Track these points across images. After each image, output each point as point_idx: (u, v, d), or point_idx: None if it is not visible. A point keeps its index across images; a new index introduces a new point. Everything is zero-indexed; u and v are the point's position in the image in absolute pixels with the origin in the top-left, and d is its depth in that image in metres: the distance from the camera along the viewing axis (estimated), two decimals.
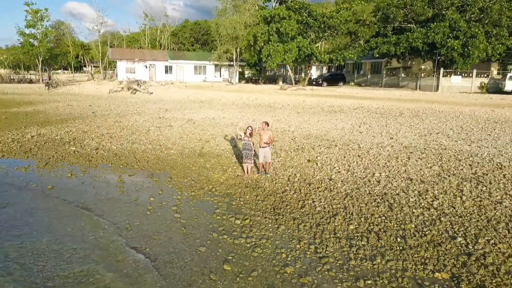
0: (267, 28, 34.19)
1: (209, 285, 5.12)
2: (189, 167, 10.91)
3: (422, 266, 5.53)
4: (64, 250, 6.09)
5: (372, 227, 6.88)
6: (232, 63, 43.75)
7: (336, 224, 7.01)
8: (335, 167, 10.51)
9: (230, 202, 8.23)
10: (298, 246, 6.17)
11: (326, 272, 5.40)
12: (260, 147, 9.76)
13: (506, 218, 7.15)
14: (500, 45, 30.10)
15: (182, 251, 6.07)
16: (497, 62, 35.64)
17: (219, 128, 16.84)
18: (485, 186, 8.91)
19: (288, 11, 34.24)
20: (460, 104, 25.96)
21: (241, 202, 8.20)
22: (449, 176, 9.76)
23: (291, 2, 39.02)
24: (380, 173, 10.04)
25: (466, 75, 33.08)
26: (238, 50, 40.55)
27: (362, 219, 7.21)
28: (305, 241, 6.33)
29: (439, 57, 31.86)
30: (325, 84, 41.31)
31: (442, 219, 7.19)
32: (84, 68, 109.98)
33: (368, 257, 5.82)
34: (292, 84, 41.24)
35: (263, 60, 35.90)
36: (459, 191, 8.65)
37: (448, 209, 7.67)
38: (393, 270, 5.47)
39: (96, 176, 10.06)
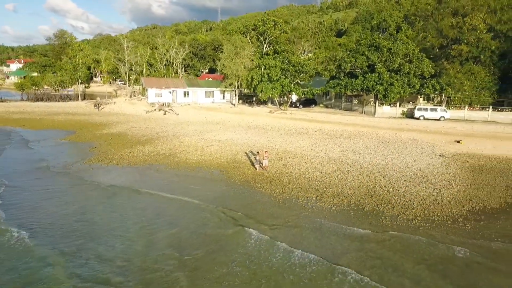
0: (260, 72, 49.72)
1: (253, 194, 20.25)
2: (233, 167, 25.92)
3: (308, 194, 20.76)
4: (200, 191, 21.11)
5: (299, 186, 22.07)
6: (233, 88, 58.88)
7: (290, 186, 22.15)
8: (293, 167, 25.73)
9: (254, 179, 23.32)
10: (277, 190, 21.29)
11: (286, 192, 20.60)
12: (263, 159, 24.90)
13: (343, 184, 22.47)
14: (410, 88, 46.23)
15: (243, 193, 21.16)
16: (420, 95, 51.89)
17: (238, 146, 31.81)
18: (348, 174, 24.26)
19: (275, 60, 49.91)
20: (380, 128, 41.62)
21: (258, 180, 23.30)
22: (338, 171, 25.12)
23: (278, 46, 54.88)
24: (310, 169, 25.30)
25: (393, 105, 49.10)
26: (239, 82, 55.80)
27: (298, 184, 22.41)
28: (279, 189, 21.49)
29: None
30: (301, 106, 57.05)
31: (324, 185, 22.46)
32: (95, 78, 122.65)
33: (295, 192, 21.01)
34: (277, 106, 56.65)
35: (257, 94, 51.48)
36: (337, 176, 23.96)
37: (328, 181, 22.93)
38: (299, 195, 20.66)
39: (198, 171, 24.97)
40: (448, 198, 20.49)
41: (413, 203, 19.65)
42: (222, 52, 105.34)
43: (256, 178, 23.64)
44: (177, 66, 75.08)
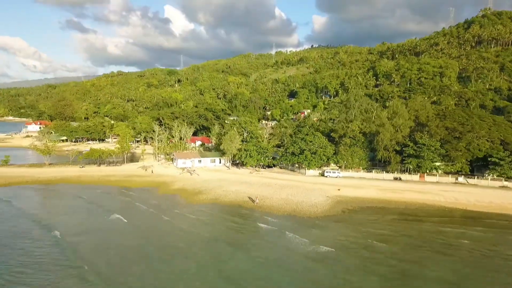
0: (245, 152, 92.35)
1: (255, 212, 61.37)
2: (244, 203, 66.70)
3: (274, 211, 62.22)
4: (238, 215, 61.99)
5: (271, 209, 63.45)
6: (228, 157, 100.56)
7: (268, 209, 63.41)
8: (268, 202, 67.23)
9: (254, 208, 64.36)
10: (264, 210, 62.55)
11: (266, 211, 61.97)
12: (257, 199, 66.30)
13: (286, 207, 64.27)
14: (321, 161, 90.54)
15: (253, 211, 62.23)
16: (332, 162, 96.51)
17: (242, 194, 72.60)
18: (288, 204, 66.25)
19: (252, 146, 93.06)
20: (306, 183, 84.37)
21: (255, 208, 64.30)
22: (284, 203, 67.05)
23: (252, 134, 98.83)
24: (274, 203, 66.95)
25: (314, 169, 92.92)
26: (232, 154, 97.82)
27: (270, 209, 63.75)
28: (264, 210, 62.75)
29: None
30: (266, 168, 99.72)
31: (279, 208, 64.20)
32: (107, 140, 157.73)
33: (269, 211, 62.38)
34: (253, 168, 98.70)
35: (243, 163, 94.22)
36: (284, 205, 65.79)
37: (281, 207, 64.59)
38: (271, 212, 61.99)
39: (232, 205, 65.58)
40: (319, 212, 62.86)
41: (306, 213, 61.72)
42: (205, 119, 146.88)
43: (255, 207, 64.69)
44: (186, 138, 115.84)
